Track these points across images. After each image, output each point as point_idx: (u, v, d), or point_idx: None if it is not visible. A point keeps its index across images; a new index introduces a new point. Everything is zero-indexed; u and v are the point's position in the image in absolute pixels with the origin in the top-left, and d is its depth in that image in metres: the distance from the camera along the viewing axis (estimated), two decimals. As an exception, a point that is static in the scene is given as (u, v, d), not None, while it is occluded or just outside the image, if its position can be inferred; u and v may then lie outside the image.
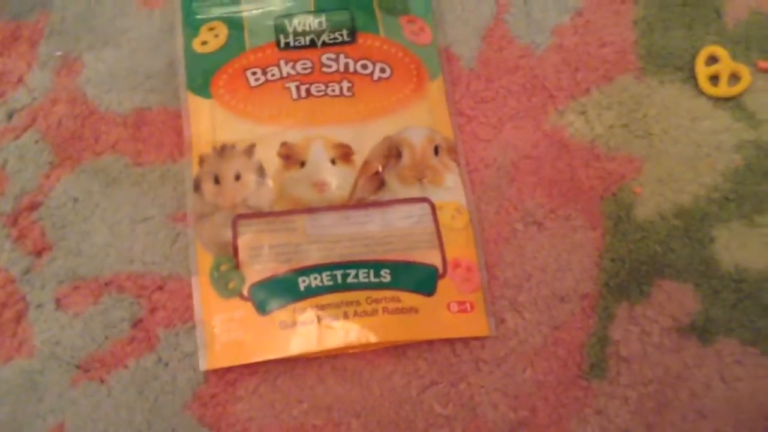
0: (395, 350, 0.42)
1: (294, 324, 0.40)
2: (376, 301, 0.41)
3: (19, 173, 0.45)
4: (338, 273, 0.42)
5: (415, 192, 0.44)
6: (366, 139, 0.45)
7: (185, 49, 0.47)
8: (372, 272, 0.42)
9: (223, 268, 0.42)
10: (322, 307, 0.41)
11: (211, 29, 0.47)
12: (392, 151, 0.45)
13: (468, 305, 0.43)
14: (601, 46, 0.47)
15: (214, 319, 0.41)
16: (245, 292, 0.41)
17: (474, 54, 0.47)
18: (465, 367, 0.42)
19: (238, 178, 0.43)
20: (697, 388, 0.42)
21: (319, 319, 0.41)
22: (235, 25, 0.47)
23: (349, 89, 0.46)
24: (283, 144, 0.44)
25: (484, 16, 0.48)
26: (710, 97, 0.46)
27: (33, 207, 0.44)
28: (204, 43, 0.47)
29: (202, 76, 0.46)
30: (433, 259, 0.43)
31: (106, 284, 0.44)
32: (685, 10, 0.48)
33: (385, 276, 0.42)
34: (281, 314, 0.41)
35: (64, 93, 0.47)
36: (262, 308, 0.41)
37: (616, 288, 0.43)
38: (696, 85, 0.46)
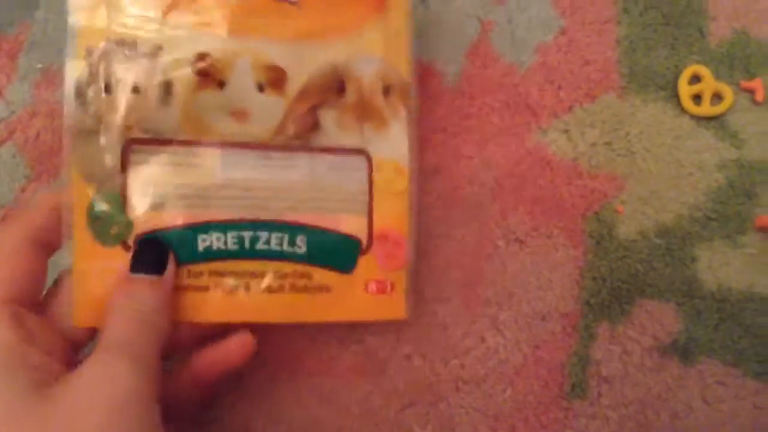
0: (373, 369, 0.42)
1: (185, 288, 0.34)
2: (284, 276, 0.35)
3: (-6, 187, 0.45)
4: (246, 235, 0.35)
5: (353, 140, 0.37)
6: (305, 64, 0.36)
7: None
8: (286, 238, 0.35)
9: (105, 207, 0.33)
10: (220, 274, 0.34)
11: None
12: (334, 84, 0.36)
13: (388, 285, 0.38)
14: (584, 65, 0.47)
15: (87, 267, 0.33)
16: (130, 241, 0.33)
17: (457, 71, 0.47)
18: (444, 387, 0.42)
19: (136, 90, 0.33)
20: (679, 408, 0.41)
21: (215, 287, 0.34)
22: None
23: None
24: (201, 55, 0.34)
25: (468, 34, 0.48)
26: (693, 116, 0.46)
27: (9, 221, 0.44)
28: None
29: None
30: (359, 228, 0.37)
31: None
32: (668, 29, 0.48)
33: (300, 246, 0.36)
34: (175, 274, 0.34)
35: (43, 106, 0.46)
36: None
37: (598, 307, 0.43)
38: (679, 104, 0.46)
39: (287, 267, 0.36)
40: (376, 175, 0.38)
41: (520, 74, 0.47)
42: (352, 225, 0.37)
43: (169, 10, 0.34)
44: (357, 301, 0.37)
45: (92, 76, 0.33)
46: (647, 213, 0.45)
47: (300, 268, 0.36)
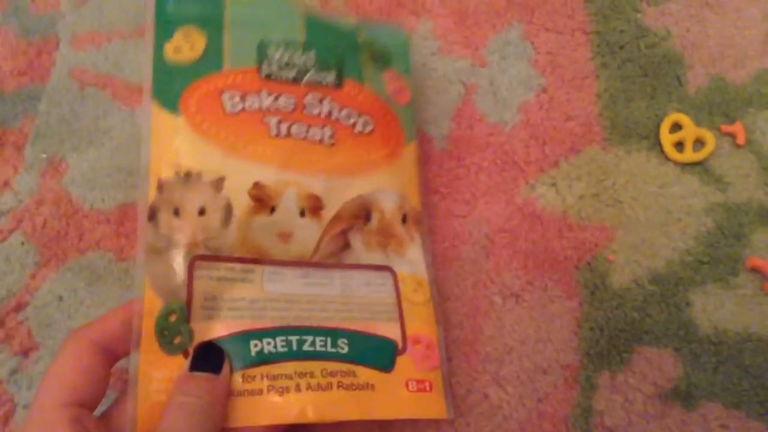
0: (379, 428, 0.42)
1: (241, 393, 0.35)
2: (332, 374, 0.38)
3: (5, 275, 0.46)
4: (293, 339, 0.38)
5: (378, 258, 0.42)
6: (338, 195, 0.41)
7: (155, 54, 0.40)
8: (329, 341, 0.39)
9: (173, 318, 0.36)
10: (273, 377, 0.36)
11: (187, 36, 0.41)
12: (362, 212, 0.42)
13: (427, 385, 0.40)
14: (566, 120, 0.48)
15: (151, 374, 0.35)
16: (191, 350, 0.36)
17: (445, 133, 0.49)
18: (449, 446, 0.42)
19: (202, 212, 0.38)
20: (684, 455, 0.41)
21: (269, 390, 0.36)
22: (214, 35, 0.41)
23: (330, 137, 0.42)
24: (257, 184, 0.39)
25: (453, 98, 0.49)
26: (677, 163, 0.47)
27: (19, 308, 0.45)
28: (177, 50, 0.40)
29: (172, 88, 0.40)
30: (393, 332, 0.41)
31: (91, 381, 0.44)
32: (646, 80, 0.49)
33: (343, 347, 0.39)
34: (231, 381, 0.36)
35: (49, 194, 0.48)
36: None
37: (597, 357, 0.44)
38: (662, 152, 0.47)
39: (333, 365, 0.38)
40: (401, 287, 0.42)
41: (506, 133, 0.49)
42: (386, 329, 0.41)
43: (230, 149, 0.39)
44: (400, 399, 0.39)
45: (163, 203, 0.37)
46: (639, 261, 0.46)
47: (345, 366, 0.38)
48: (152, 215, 0.37)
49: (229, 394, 0.35)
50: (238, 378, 0.36)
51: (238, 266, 0.38)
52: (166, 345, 0.35)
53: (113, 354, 0.35)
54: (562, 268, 0.46)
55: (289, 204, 0.40)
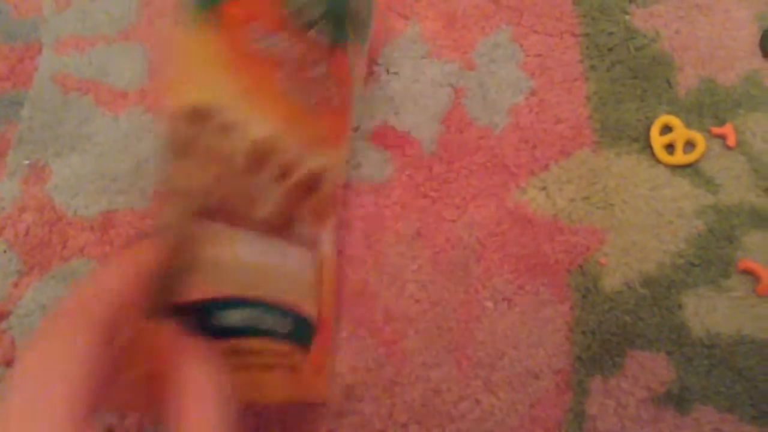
0: (369, 441, 0.42)
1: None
2: (279, 355, 0.37)
3: (-13, 284, 0.45)
4: (255, 312, 0.36)
5: (311, 234, 0.40)
6: (303, 163, 0.38)
7: None
8: (281, 319, 0.37)
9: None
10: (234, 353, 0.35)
11: None
12: (309, 184, 0.39)
13: (321, 369, 0.40)
14: (556, 123, 0.48)
15: None
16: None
17: (434, 137, 0.48)
18: (441, 454, 0.42)
19: (206, 158, 0.34)
20: (678, 459, 0.41)
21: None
22: None
23: (316, 103, 0.38)
24: (257, 143, 0.35)
25: (443, 102, 0.49)
26: (667, 166, 0.47)
27: (2, 317, 0.45)
28: None
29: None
30: (314, 312, 0.40)
31: (76, 391, 0.43)
32: (636, 82, 0.49)
33: (287, 325, 0.37)
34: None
35: (32, 201, 0.47)
36: None
37: (589, 361, 0.43)
38: (652, 154, 0.47)
39: (281, 346, 0.37)
40: (321, 268, 0.41)
41: (495, 136, 0.48)
42: (310, 309, 0.39)
43: (245, 94, 0.35)
44: (301, 380, 0.38)
45: (196, 142, 0.34)
46: (630, 263, 0.45)
47: (286, 347, 0.37)
48: (184, 151, 0.34)
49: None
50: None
51: (210, 226, 0.34)
52: None
53: (122, 325, 0.28)
54: (553, 272, 0.45)
55: (272, 168, 0.36)
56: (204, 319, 0.33)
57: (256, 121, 0.35)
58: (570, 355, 0.44)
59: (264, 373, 0.36)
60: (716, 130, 0.48)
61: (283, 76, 0.36)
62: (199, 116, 0.33)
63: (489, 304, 0.45)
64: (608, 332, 0.44)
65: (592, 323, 0.44)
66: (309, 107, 0.38)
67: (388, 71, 0.50)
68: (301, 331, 0.38)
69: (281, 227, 0.38)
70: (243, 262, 0.36)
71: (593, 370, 0.43)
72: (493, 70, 0.50)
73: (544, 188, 0.47)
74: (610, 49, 0.50)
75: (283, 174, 0.37)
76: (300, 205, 0.38)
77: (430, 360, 0.44)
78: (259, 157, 0.35)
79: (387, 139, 0.49)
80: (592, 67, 0.49)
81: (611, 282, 0.45)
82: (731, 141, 0.47)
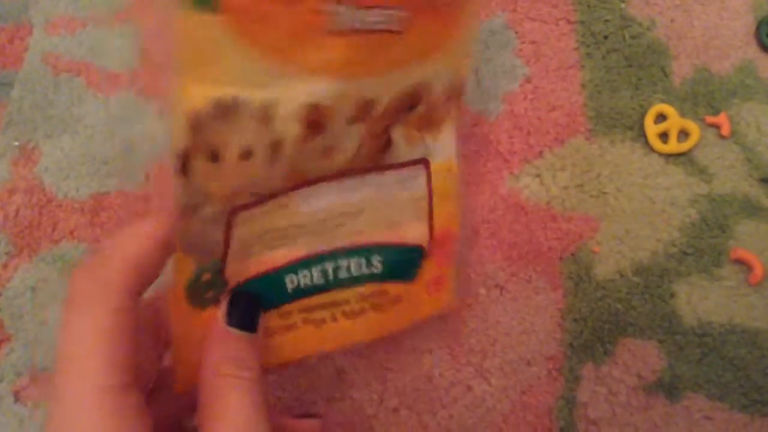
0: (361, 425, 0.42)
1: (278, 331, 0.33)
2: (365, 298, 0.35)
3: (-25, 266, 0.45)
4: (329, 267, 0.33)
5: (417, 152, 0.34)
6: (389, 89, 0.31)
7: None
8: (364, 262, 0.35)
9: (206, 277, 0.30)
10: (309, 309, 0.34)
11: None
12: (407, 102, 0.32)
13: (443, 280, 0.38)
14: (550, 110, 0.48)
15: (186, 333, 0.30)
16: (223, 298, 0.31)
17: (428, 123, 0.48)
18: (432, 439, 0.42)
19: (247, 155, 0.28)
20: (668, 447, 0.41)
21: (303, 323, 0.33)
22: None
23: (404, 20, 0.28)
24: (311, 107, 0.28)
25: (436, 86, 0.49)
26: (661, 154, 0.47)
27: (-10, 299, 0.44)
28: None
29: None
30: (421, 235, 0.36)
31: (65, 374, 0.43)
32: (631, 70, 0.49)
33: (377, 265, 0.35)
34: (265, 320, 0.32)
35: (21, 182, 0.47)
36: None
37: (581, 348, 0.43)
38: (646, 143, 0.47)
39: (368, 289, 0.35)
40: (434, 180, 0.36)
41: (490, 123, 0.48)
42: (416, 233, 0.36)
43: (282, 60, 0.27)
44: (420, 305, 0.37)
45: (199, 146, 0.27)
46: (623, 252, 0.45)
47: (377, 287, 0.35)
48: (184, 165, 0.27)
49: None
50: (275, 316, 0.33)
51: (274, 199, 0.30)
52: (196, 301, 0.30)
53: (143, 287, 0.27)
54: (546, 260, 0.45)
55: (341, 118, 0.29)
56: (277, 289, 0.32)
57: (297, 89, 0.27)
58: (562, 342, 0.44)
59: (350, 319, 0.35)
60: (710, 119, 0.48)
61: (337, 12, 0.27)
62: (229, 108, 0.27)
63: (481, 290, 0.45)
64: (600, 320, 0.44)
65: (584, 311, 0.44)
66: (386, 31, 0.28)
67: (382, 56, 0.50)
68: (398, 263, 0.36)
69: (374, 158, 0.33)
70: (311, 216, 0.32)
71: (585, 357, 0.43)
72: (488, 56, 0.49)
73: (537, 175, 0.47)
74: (605, 37, 0.50)
75: (361, 113, 0.30)
76: (395, 129, 0.33)
77: (422, 346, 0.43)
78: (318, 118, 0.29)
79: (381, 124, 0.48)
80: (588, 55, 0.49)
81: (604, 270, 0.45)
82: (725, 130, 0.47)
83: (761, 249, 0.45)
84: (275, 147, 0.28)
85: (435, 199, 0.36)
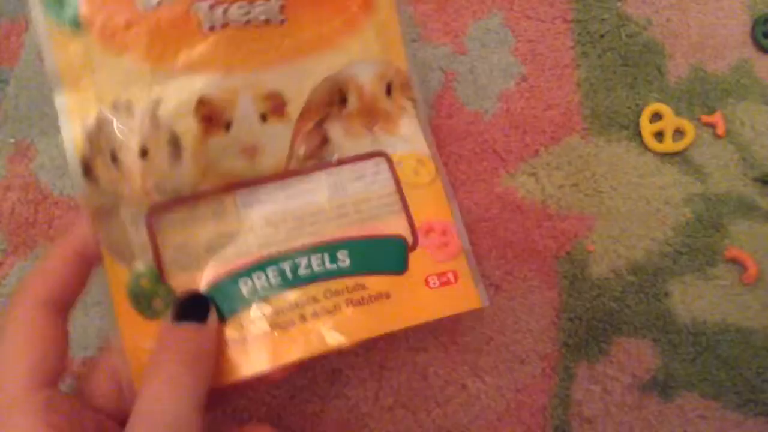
0: (356, 423, 0.42)
1: (244, 339, 0.31)
2: (337, 293, 0.33)
3: (-29, 263, 0.45)
4: (286, 265, 0.33)
5: (366, 145, 0.36)
6: (301, 83, 0.34)
7: None
8: (326, 257, 0.33)
9: (144, 283, 0.31)
10: (274, 312, 0.32)
11: None
12: (335, 96, 0.35)
13: (450, 275, 0.35)
14: (546, 109, 0.48)
15: (138, 343, 0.30)
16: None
17: (424, 121, 0.48)
18: (426, 438, 0.42)
19: (144, 153, 0.30)
20: (662, 445, 0.41)
21: (272, 328, 0.32)
22: None
23: (281, 10, 0.33)
24: (202, 100, 0.31)
25: (433, 85, 0.49)
26: (656, 153, 0.47)
27: (-14, 296, 0.44)
28: None
29: None
30: (399, 227, 0.35)
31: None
32: (627, 69, 0.49)
33: (343, 260, 0.34)
34: (226, 330, 0.31)
35: (17, 180, 0.47)
36: None
37: (575, 347, 0.43)
38: (642, 142, 0.47)
39: (337, 284, 0.33)
40: (399, 172, 0.36)
41: (485, 121, 0.48)
42: (391, 226, 0.35)
43: (157, 60, 0.31)
44: (423, 300, 0.34)
45: (95, 149, 0.30)
46: (618, 251, 0.45)
47: (350, 281, 0.33)
48: (87, 170, 0.30)
49: (219, 344, 0.31)
50: (235, 324, 0.31)
51: (201, 202, 0.32)
52: (145, 311, 0.31)
53: (66, 304, 0.30)
54: (541, 258, 0.45)
55: (246, 112, 0.32)
56: (231, 295, 0.32)
57: (185, 84, 0.31)
58: (556, 340, 0.44)
59: (320, 318, 0.32)
60: (706, 118, 0.48)
61: (205, 11, 0.31)
62: (117, 112, 0.31)
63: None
64: (595, 319, 0.44)
65: (579, 310, 0.44)
66: (264, 23, 0.33)
67: (378, 54, 0.50)
68: (373, 256, 0.34)
69: (317, 156, 0.34)
70: (260, 219, 0.33)
71: (579, 356, 0.43)
72: (485, 54, 0.49)
73: (533, 174, 0.47)
74: (601, 36, 0.50)
75: (274, 110, 0.33)
76: (329, 125, 0.34)
77: (417, 344, 0.44)
78: (211, 113, 0.31)
79: (377, 122, 0.48)
80: (584, 54, 0.49)
81: (599, 269, 0.45)
82: (720, 130, 0.47)
83: (755, 248, 0.45)
84: (174, 143, 0.31)
85: (407, 190, 0.36)
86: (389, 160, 0.36)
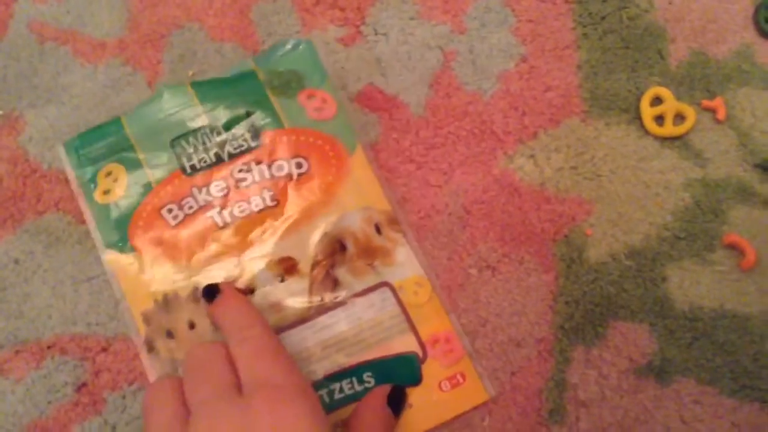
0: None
1: None
2: None
3: (-43, 236, 0.44)
4: (323, 393, 0.40)
5: (371, 279, 0.42)
6: (305, 244, 0.42)
7: (89, 204, 0.43)
8: (355, 381, 0.40)
9: None
10: None
11: (108, 174, 0.43)
12: (335, 247, 0.43)
13: (459, 377, 0.41)
14: (546, 91, 0.47)
15: None
16: None
17: (422, 101, 0.47)
18: (421, 420, 0.41)
19: (192, 326, 0.40)
20: (657, 430, 0.41)
21: None
22: (130, 160, 0.43)
23: (272, 198, 0.43)
24: (227, 279, 0.42)
25: (431, 65, 0.48)
26: (656, 137, 0.47)
27: (-28, 271, 0.43)
28: (106, 192, 0.43)
29: (118, 230, 0.42)
30: (410, 344, 0.41)
31: (48, 347, 0.42)
32: (628, 52, 0.48)
33: (369, 380, 0.40)
34: None
35: (5, 152, 0.46)
36: None
37: (572, 331, 0.43)
38: (642, 125, 0.47)
39: None
40: (401, 295, 0.42)
41: (484, 102, 0.47)
42: (402, 344, 0.41)
43: (190, 257, 0.42)
44: (439, 403, 0.40)
45: (155, 332, 0.41)
46: (616, 235, 0.45)
47: None
48: (150, 347, 0.41)
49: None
50: None
51: None
52: None
53: None
54: (538, 241, 0.45)
55: (264, 279, 0.41)
56: None
57: (213, 272, 0.42)
58: (552, 324, 0.43)
59: None
60: (706, 103, 0.47)
61: (216, 215, 0.43)
62: (168, 301, 0.41)
63: (473, 271, 0.45)
64: (591, 303, 0.44)
65: (576, 293, 0.44)
66: (262, 210, 0.43)
67: (375, 32, 0.49)
68: (392, 372, 0.41)
69: (330, 297, 0.42)
70: (298, 354, 0.41)
71: (575, 339, 0.43)
72: (484, 34, 0.49)
73: (532, 156, 0.46)
74: (603, 18, 0.49)
75: (288, 270, 0.42)
76: (337, 269, 0.42)
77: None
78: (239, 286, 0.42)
79: (373, 101, 0.48)
80: (585, 35, 0.49)
81: (596, 253, 0.45)
82: (721, 115, 0.47)
83: (754, 234, 0.44)
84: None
85: (411, 311, 0.42)
86: (392, 288, 0.42)
